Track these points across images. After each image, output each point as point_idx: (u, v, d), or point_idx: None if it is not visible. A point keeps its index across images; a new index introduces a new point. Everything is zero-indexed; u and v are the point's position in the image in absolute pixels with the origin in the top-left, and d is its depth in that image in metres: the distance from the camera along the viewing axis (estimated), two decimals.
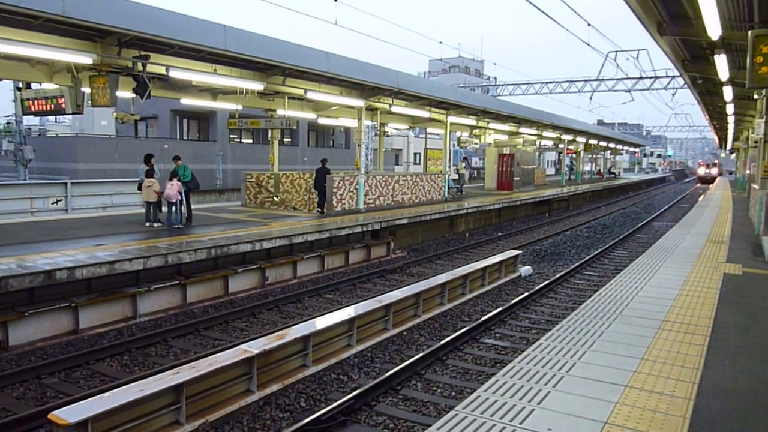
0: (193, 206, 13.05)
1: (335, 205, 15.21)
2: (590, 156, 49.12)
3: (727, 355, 4.97)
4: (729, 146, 46.32)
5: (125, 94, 11.04)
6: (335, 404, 5.57)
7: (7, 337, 7.31)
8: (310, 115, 18.37)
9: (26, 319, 7.46)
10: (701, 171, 67.05)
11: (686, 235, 12.97)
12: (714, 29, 8.69)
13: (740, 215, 17.77)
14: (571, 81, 38.62)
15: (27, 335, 7.51)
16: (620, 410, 3.81)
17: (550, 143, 38.19)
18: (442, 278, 9.68)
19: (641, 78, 34.81)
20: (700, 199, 24.52)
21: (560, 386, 4.20)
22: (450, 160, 25.63)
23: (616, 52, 29.71)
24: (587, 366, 4.62)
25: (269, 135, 17.52)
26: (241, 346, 6.09)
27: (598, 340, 5.29)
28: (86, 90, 10.36)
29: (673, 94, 35.93)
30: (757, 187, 15.41)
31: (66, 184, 17.25)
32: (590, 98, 38.19)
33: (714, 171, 64.15)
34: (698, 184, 59.26)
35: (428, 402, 5.96)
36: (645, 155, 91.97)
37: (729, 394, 4.15)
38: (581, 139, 37.71)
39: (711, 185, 43.95)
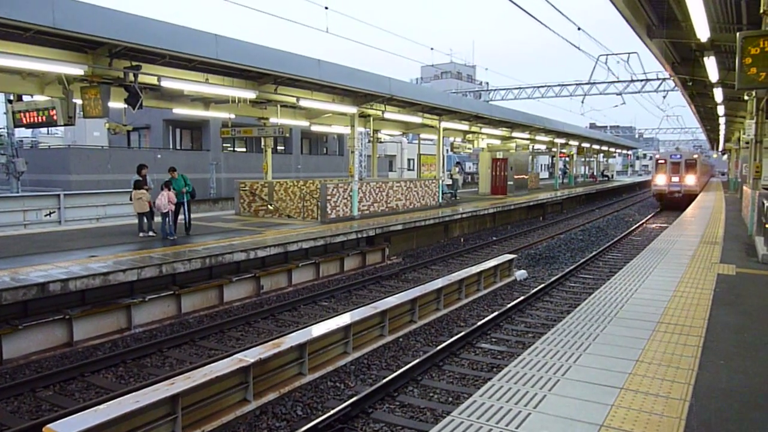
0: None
1: (329, 212, 15.21)
2: (583, 159, 49.35)
3: (722, 355, 4.99)
4: (721, 147, 46.64)
5: (117, 104, 11.04)
6: (332, 412, 5.56)
7: (1, 351, 7.25)
8: (303, 123, 18.39)
9: (20, 332, 7.41)
10: (660, 180, 30.95)
11: (680, 236, 13.03)
12: (703, 31, 8.78)
13: (733, 216, 17.87)
14: (563, 85, 38.77)
15: (21, 348, 7.46)
16: (616, 413, 3.82)
17: (543, 147, 38.39)
18: (438, 283, 9.68)
19: (632, 81, 34.98)
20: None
21: (556, 390, 4.20)
22: (443, 165, 25.70)
23: (607, 55, 29.93)
24: (583, 369, 4.63)
25: (262, 143, 17.53)
26: (236, 355, 6.07)
27: (593, 342, 5.29)
28: (78, 101, 10.35)
29: (665, 97, 35.92)
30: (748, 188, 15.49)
31: (59, 195, 17.19)
32: (582, 102, 38.34)
33: (690, 179, 30.15)
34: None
35: (425, 408, 5.95)
36: (638, 158, 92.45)
37: (724, 395, 4.16)
38: (574, 143, 37.88)
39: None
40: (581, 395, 4.11)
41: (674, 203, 29.15)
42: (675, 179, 30.25)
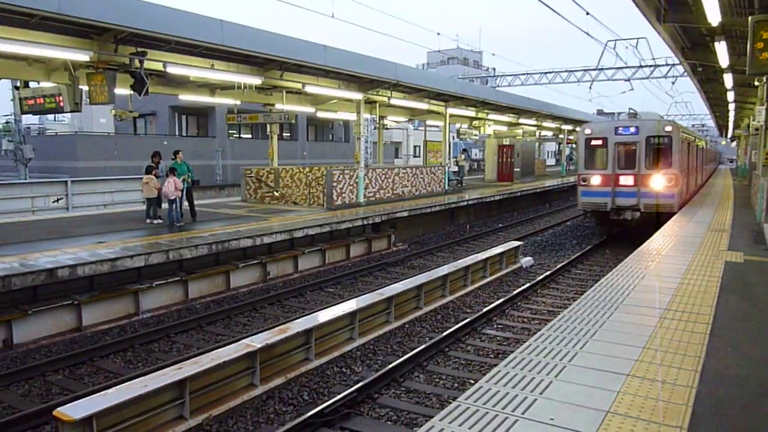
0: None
1: (335, 199, 15.20)
2: None
3: (729, 342, 4.97)
4: (730, 134, 46.14)
5: (123, 91, 11.02)
6: (338, 397, 5.59)
7: (12, 336, 7.33)
8: (309, 109, 18.34)
9: (30, 317, 7.48)
10: (595, 181, 14.13)
11: (687, 223, 12.94)
12: (714, 16, 8.65)
13: (742, 203, 17.73)
14: (570, 71, 38.40)
15: (31, 333, 7.54)
16: (622, 399, 3.82)
17: (550, 134, 38.10)
18: (444, 270, 9.68)
19: (641, 66, 34.57)
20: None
21: (562, 376, 4.20)
22: (450, 152, 25.61)
23: (615, 40, 29.42)
24: (589, 355, 4.62)
25: (268, 130, 17.51)
26: (243, 340, 6.10)
27: (599, 329, 5.28)
28: (84, 88, 10.34)
29: (673, 83, 35.35)
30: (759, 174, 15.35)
31: (66, 182, 17.22)
32: (590, 88, 37.88)
33: (657, 181, 13.58)
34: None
35: (431, 393, 5.98)
36: None
37: (731, 382, 4.15)
38: None
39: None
40: (588, 382, 4.11)
41: (626, 230, 15.02)
42: (625, 180, 14.15)
